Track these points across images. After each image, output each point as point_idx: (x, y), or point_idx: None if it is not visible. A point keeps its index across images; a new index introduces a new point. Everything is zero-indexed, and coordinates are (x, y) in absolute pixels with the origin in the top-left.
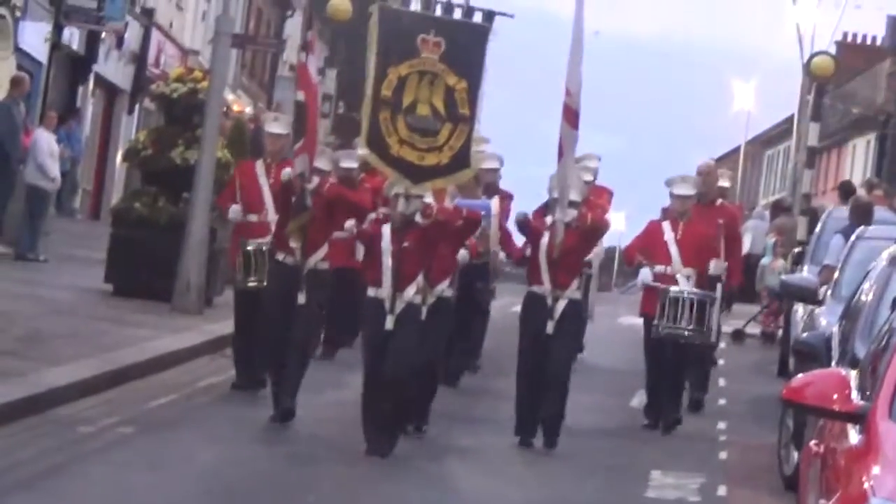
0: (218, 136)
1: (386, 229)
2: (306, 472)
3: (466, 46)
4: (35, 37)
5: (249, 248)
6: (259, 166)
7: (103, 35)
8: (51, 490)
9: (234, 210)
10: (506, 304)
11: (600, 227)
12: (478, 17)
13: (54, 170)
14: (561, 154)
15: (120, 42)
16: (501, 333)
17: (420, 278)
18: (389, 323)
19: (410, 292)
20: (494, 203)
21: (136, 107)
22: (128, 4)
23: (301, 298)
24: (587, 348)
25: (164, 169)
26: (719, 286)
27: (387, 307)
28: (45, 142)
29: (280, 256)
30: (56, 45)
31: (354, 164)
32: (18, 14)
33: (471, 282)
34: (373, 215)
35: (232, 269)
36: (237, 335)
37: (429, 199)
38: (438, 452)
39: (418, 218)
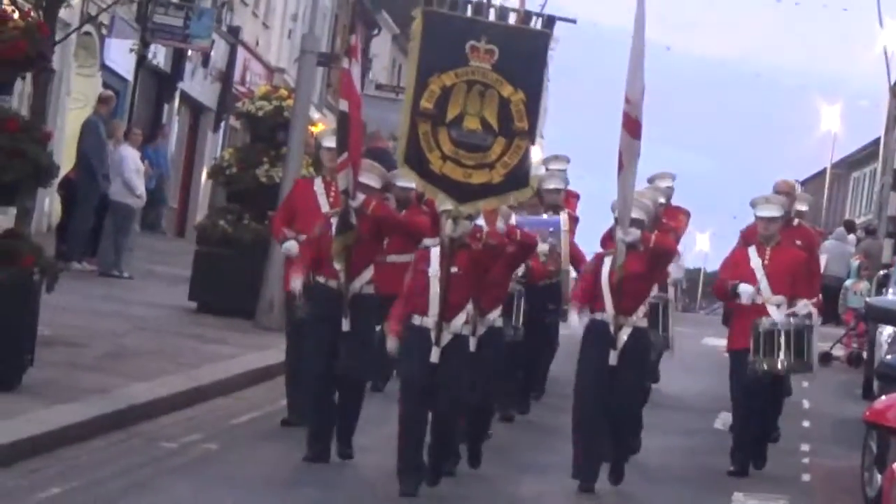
0: (303, 154)
1: (434, 253)
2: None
3: (524, 54)
4: (121, 54)
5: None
6: (318, 184)
7: (189, 53)
8: None
9: (289, 246)
10: None
11: (665, 251)
12: (536, 24)
13: (140, 186)
14: (621, 166)
15: (206, 60)
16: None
17: (469, 306)
18: (435, 356)
19: (459, 322)
20: (564, 219)
21: (222, 124)
22: (214, 22)
23: (346, 325)
24: (666, 376)
25: (248, 187)
26: (814, 312)
27: (432, 338)
28: (132, 158)
29: (322, 279)
30: (142, 61)
31: (412, 185)
32: (105, 31)
33: (541, 304)
34: (430, 241)
35: (287, 300)
36: (289, 373)
37: (480, 221)
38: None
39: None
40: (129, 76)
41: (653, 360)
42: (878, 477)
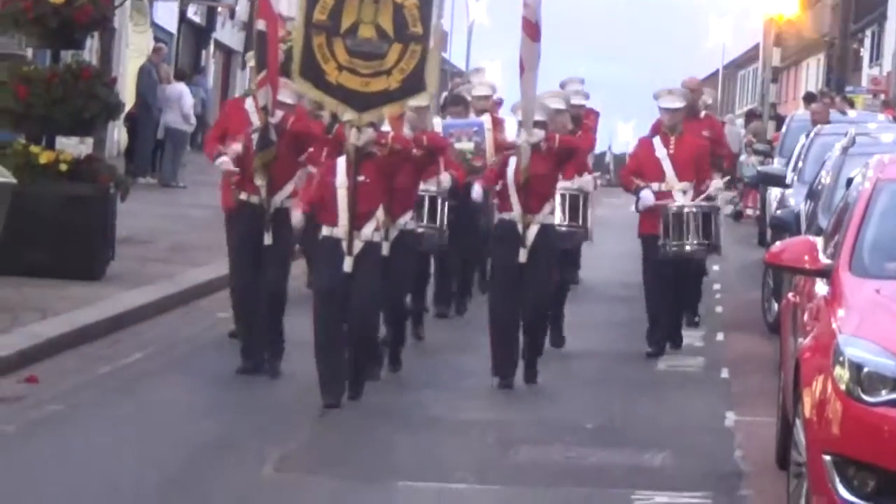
0: None
1: (340, 163)
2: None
3: None
4: (166, 13)
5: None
6: (248, 103)
7: (219, 9)
8: (202, 363)
9: (221, 161)
10: None
11: (569, 149)
12: None
13: (193, 116)
14: (522, 69)
15: (232, 13)
16: None
17: (380, 213)
18: (348, 265)
19: (369, 230)
20: (487, 119)
21: (247, 64)
22: None
23: (267, 239)
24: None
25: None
26: (721, 196)
27: (344, 248)
28: (187, 95)
29: (244, 196)
30: (183, 17)
31: None
32: None
33: (468, 200)
34: None
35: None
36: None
37: (385, 127)
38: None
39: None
40: (174, 30)
41: (573, 251)
42: (776, 306)
